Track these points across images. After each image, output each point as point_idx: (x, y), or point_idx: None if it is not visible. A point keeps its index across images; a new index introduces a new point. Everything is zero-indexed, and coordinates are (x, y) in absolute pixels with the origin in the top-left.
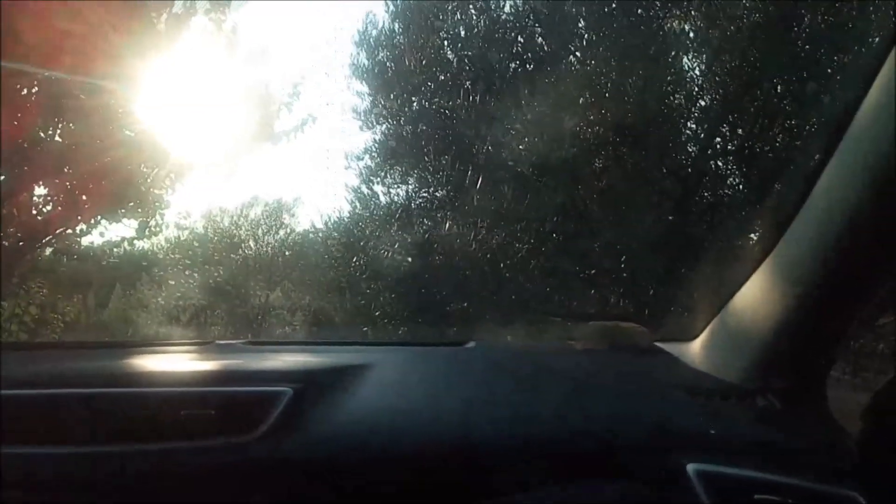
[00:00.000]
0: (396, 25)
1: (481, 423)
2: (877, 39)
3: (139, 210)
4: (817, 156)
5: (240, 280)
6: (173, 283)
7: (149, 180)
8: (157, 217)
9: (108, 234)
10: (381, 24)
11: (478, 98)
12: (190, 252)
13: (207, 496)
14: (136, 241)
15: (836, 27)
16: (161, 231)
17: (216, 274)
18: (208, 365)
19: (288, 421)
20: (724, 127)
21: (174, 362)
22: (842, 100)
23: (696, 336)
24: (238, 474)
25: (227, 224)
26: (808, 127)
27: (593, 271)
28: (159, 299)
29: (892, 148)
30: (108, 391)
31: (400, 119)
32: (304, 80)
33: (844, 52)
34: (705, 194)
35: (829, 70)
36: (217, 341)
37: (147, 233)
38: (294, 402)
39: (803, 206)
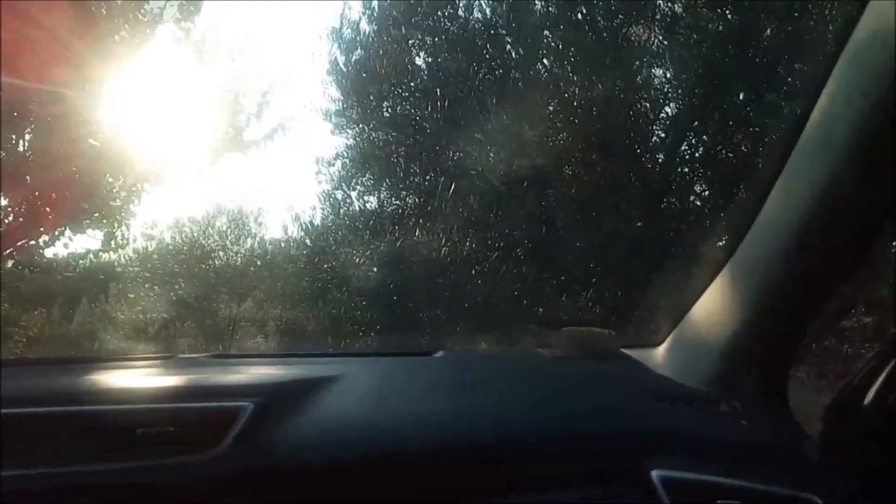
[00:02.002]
0: (369, 31)
1: (448, 434)
2: (826, 51)
3: (104, 221)
4: (773, 163)
5: (209, 291)
6: (140, 295)
7: (114, 190)
8: (124, 228)
9: (72, 245)
10: (354, 30)
11: (448, 105)
12: (157, 264)
13: None
14: (101, 254)
15: (793, 38)
16: (128, 243)
17: (184, 286)
18: (169, 381)
19: (248, 437)
20: (689, 135)
21: (133, 378)
22: (795, 109)
23: (662, 342)
24: (196, 492)
25: (195, 234)
26: (767, 135)
27: (563, 278)
28: (126, 313)
29: (842, 155)
30: (63, 410)
31: (371, 125)
32: (274, 86)
33: (801, 63)
34: (672, 201)
35: (786, 80)
36: (180, 355)
37: (113, 245)
38: (255, 417)
39: (759, 213)
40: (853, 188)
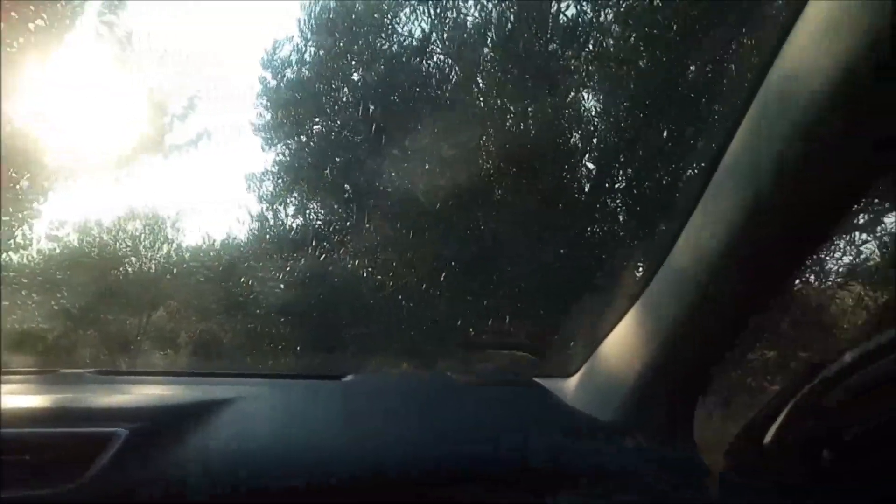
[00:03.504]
0: (303, 46)
1: (339, 462)
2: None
3: (6, 220)
4: (686, 199)
5: (117, 300)
6: (40, 301)
7: (17, 187)
8: (26, 228)
9: None
10: (288, 44)
11: (380, 123)
12: (62, 267)
13: None
14: (2, 254)
15: (717, 75)
16: (30, 244)
17: (90, 292)
18: (40, 400)
19: (120, 465)
20: (615, 165)
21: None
22: (712, 146)
23: (575, 372)
24: None
25: (105, 237)
26: (687, 170)
27: (488, 301)
28: (22, 319)
29: (749, 197)
30: None
31: (301, 140)
32: (203, 92)
33: (721, 99)
34: (596, 229)
35: (706, 117)
36: (61, 371)
37: (13, 245)
38: (128, 444)
39: (672, 248)
40: (762, 228)
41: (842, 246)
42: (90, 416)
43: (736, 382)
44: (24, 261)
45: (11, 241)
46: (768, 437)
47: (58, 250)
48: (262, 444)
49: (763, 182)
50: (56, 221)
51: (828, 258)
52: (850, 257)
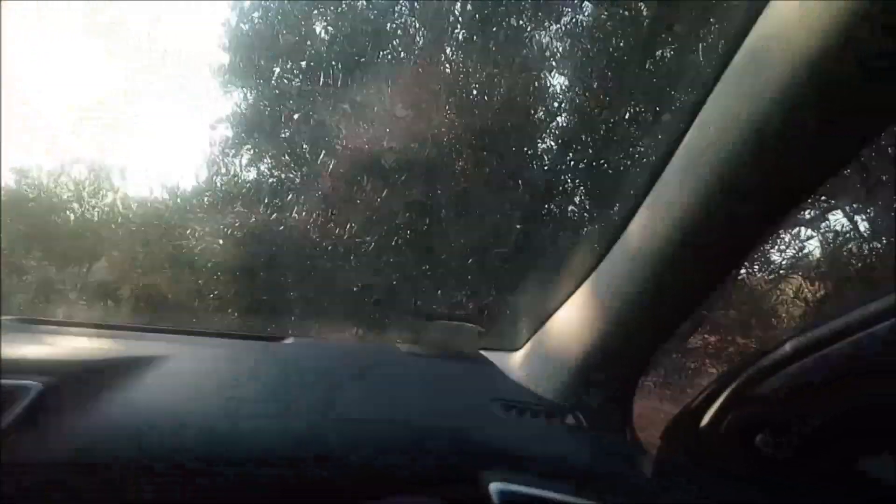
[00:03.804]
0: None
1: (270, 430)
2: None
3: None
4: (641, 182)
5: (56, 248)
6: None
7: None
8: None
9: None
10: None
11: (342, 82)
12: None
13: None
14: None
15: (680, 64)
16: None
17: (27, 239)
18: None
19: (30, 421)
20: (576, 144)
21: None
22: (670, 130)
23: (520, 347)
24: None
25: (46, 182)
26: (646, 154)
27: (441, 271)
28: None
29: (704, 184)
30: None
31: (259, 92)
32: (158, 31)
33: (684, 86)
34: (552, 207)
35: (669, 102)
36: None
37: None
38: (41, 398)
39: (625, 230)
40: (713, 215)
41: (787, 239)
42: (2, 368)
43: (677, 365)
44: None
45: None
46: (705, 421)
47: None
48: (187, 403)
49: (717, 170)
50: None
51: (772, 250)
52: (794, 251)
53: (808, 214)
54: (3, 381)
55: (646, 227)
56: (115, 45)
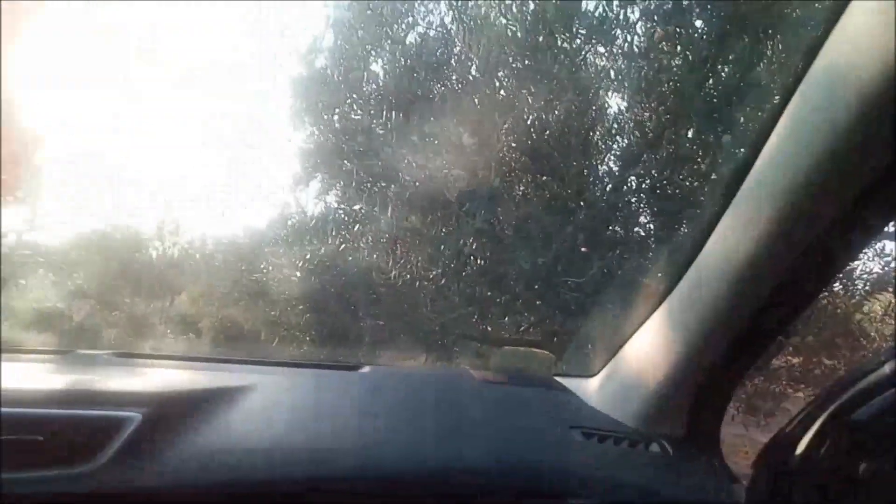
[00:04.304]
0: (326, 36)
1: (358, 456)
2: (775, 98)
3: (30, 200)
4: (717, 202)
5: (140, 284)
6: (64, 282)
7: (39, 164)
8: (47, 207)
9: None
10: (310, 34)
11: (402, 115)
12: (86, 248)
13: None
14: (24, 235)
15: (748, 79)
16: (53, 225)
17: (114, 276)
18: (54, 381)
19: (132, 450)
20: (639, 166)
21: (14, 376)
22: (743, 150)
23: (597, 372)
24: None
25: (130, 220)
26: (715, 172)
27: (508, 297)
28: (45, 299)
29: (787, 199)
30: None
31: (321, 130)
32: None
33: (753, 105)
34: (617, 230)
35: (738, 120)
36: (79, 351)
37: (35, 224)
38: (143, 428)
39: (701, 251)
40: (795, 234)
41: (870, 254)
42: (104, 399)
43: (760, 389)
44: (48, 240)
45: (35, 220)
46: (800, 449)
47: (80, 232)
48: (277, 432)
49: (797, 189)
50: (80, 203)
51: (857, 266)
52: (880, 266)
53: (892, 227)
54: (107, 412)
55: (723, 246)
56: (187, 91)
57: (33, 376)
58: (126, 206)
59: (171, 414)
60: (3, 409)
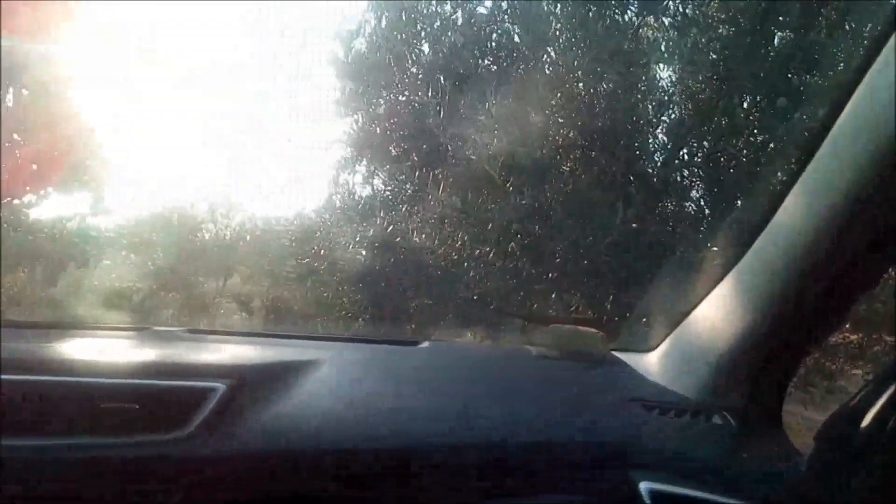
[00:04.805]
0: (370, 18)
1: (427, 428)
2: (852, 60)
3: (93, 185)
4: (783, 176)
5: (195, 264)
6: (126, 263)
7: (104, 155)
8: (111, 194)
9: (59, 208)
10: (354, 16)
11: (449, 95)
12: (144, 232)
13: (128, 495)
14: (89, 218)
15: (810, 46)
16: (114, 209)
17: (170, 256)
18: (139, 354)
19: (218, 419)
20: (692, 137)
21: (102, 349)
22: (812, 120)
23: (655, 347)
24: (159, 474)
25: (184, 204)
26: (775, 143)
27: (556, 274)
28: (110, 280)
29: (862, 170)
30: (24, 379)
31: (370, 110)
32: (271, 68)
33: (818, 73)
34: (670, 204)
35: (800, 89)
36: (154, 328)
37: (101, 209)
38: (226, 398)
39: (769, 223)
40: (874, 204)
41: None
42: (188, 371)
43: (816, 366)
44: (109, 225)
45: (100, 205)
46: (865, 422)
47: (139, 216)
48: (344, 403)
49: (873, 161)
50: (141, 189)
51: None
52: None
53: None
54: (194, 383)
55: (795, 218)
56: (236, 76)
57: (119, 350)
58: (185, 191)
59: (252, 385)
60: (98, 380)
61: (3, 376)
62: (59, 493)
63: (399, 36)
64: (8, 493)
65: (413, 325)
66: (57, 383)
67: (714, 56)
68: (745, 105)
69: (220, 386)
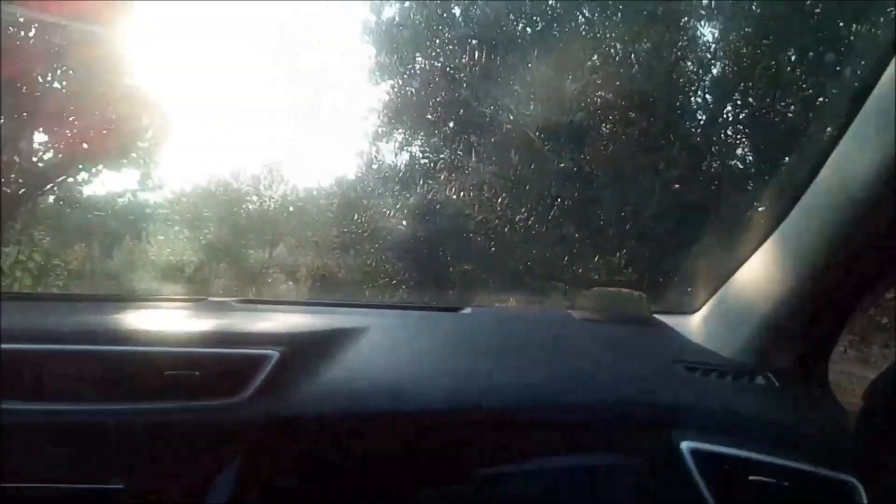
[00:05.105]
0: None
1: (473, 391)
2: None
3: (141, 161)
4: (830, 130)
5: (241, 236)
6: (175, 236)
7: (151, 132)
8: (159, 170)
9: (110, 184)
10: None
11: (484, 58)
12: (192, 206)
13: (191, 457)
14: (139, 194)
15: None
16: (163, 184)
17: (217, 229)
18: (197, 324)
19: (273, 384)
20: (734, 96)
21: (163, 320)
22: (859, 75)
23: (698, 309)
24: (222, 436)
25: (228, 178)
26: (821, 100)
27: (597, 238)
28: (162, 253)
29: None
30: (94, 349)
31: (405, 78)
32: (309, 38)
33: (864, 26)
34: (713, 164)
35: (846, 43)
36: (209, 298)
37: (149, 185)
38: (281, 365)
39: (813, 182)
40: None
41: None
42: (243, 340)
43: (871, 323)
44: (159, 199)
45: (149, 181)
46: None
47: (187, 190)
48: (393, 368)
49: None
50: (187, 165)
51: None
52: None
53: None
54: (249, 351)
55: (841, 175)
56: (277, 56)
57: (177, 320)
58: (229, 165)
59: (305, 351)
60: (162, 349)
61: (74, 346)
62: (125, 455)
63: (431, 2)
64: (77, 455)
65: (455, 292)
66: (124, 352)
67: (757, 10)
68: (789, 61)
69: (274, 353)
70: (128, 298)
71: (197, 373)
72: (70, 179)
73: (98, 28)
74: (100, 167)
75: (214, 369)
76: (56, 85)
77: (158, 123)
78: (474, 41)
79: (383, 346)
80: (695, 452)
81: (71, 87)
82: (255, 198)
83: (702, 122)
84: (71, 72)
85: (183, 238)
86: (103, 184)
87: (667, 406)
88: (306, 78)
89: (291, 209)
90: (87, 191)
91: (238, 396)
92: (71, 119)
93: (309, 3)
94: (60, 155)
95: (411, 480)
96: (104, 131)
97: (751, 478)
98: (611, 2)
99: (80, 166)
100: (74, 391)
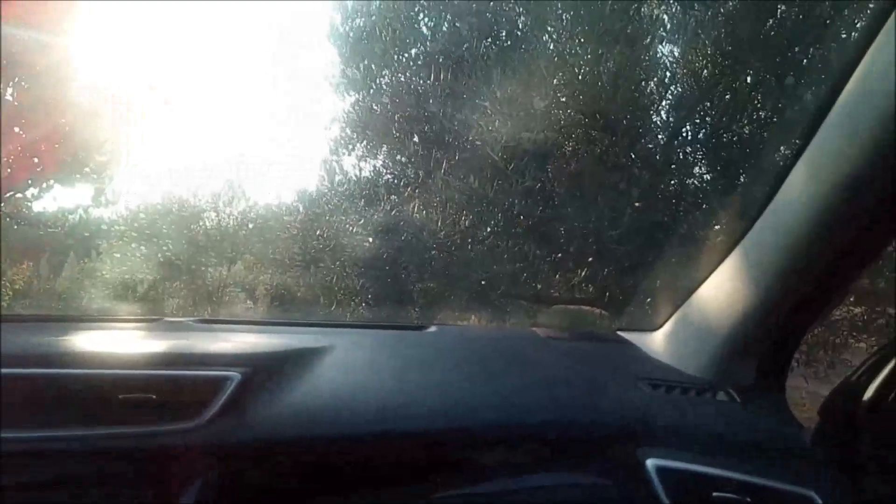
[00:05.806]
0: None
1: (439, 411)
2: (854, 37)
3: (94, 177)
4: (787, 151)
5: (199, 253)
6: (128, 254)
7: (104, 146)
8: (113, 184)
9: (61, 200)
10: None
11: (450, 74)
12: (146, 222)
13: (148, 484)
14: (90, 210)
15: (814, 22)
16: (117, 200)
17: (173, 246)
18: (154, 345)
19: (234, 406)
20: (695, 116)
21: (117, 341)
22: (816, 96)
23: (660, 326)
24: (178, 461)
25: (185, 194)
26: (779, 121)
27: (559, 255)
28: (113, 271)
29: (864, 147)
30: (44, 372)
31: (370, 92)
32: (272, 45)
33: (821, 49)
34: (673, 183)
35: (804, 66)
36: (166, 318)
37: (102, 200)
38: (242, 387)
39: (772, 201)
40: (877, 180)
41: None
42: (202, 361)
43: (819, 339)
44: (112, 216)
45: (102, 196)
46: (867, 396)
47: (142, 206)
48: (357, 389)
49: (872, 140)
50: (141, 180)
51: None
52: None
53: None
54: (210, 372)
55: (795, 198)
56: (236, 68)
57: (133, 341)
58: (186, 180)
59: (266, 373)
60: (116, 371)
61: (18, 370)
62: (77, 484)
63: (400, 16)
64: (25, 485)
65: (418, 310)
66: (76, 375)
67: (717, 33)
68: (747, 82)
69: (236, 374)
70: (79, 319)
71: (154, 396)
72: (18, 195)
73: (50, 39)
74: (50, 182)
75: (172, 392)
76: (8, 98)
77: (112, 137)
78: (440, 58)
79: (347, 366)
80: (660, 469)
81: (21, 99)
82: (213, 214)
83: (663, 142)
84: (22, 83)
85: (138, 255)
86: (55, 199)
87: (632, 423)
88: (270, 92)
89: (251, 225)
90: (36, 207)
91: (197, 420)
92: (20, 132)
93: (273, 15)
94: (9, 169)
95: (375, 503)
96: (56, 145)
97: (714, 494)
98: (575, 21)
99: (29, 181)
100: (21, 417)
